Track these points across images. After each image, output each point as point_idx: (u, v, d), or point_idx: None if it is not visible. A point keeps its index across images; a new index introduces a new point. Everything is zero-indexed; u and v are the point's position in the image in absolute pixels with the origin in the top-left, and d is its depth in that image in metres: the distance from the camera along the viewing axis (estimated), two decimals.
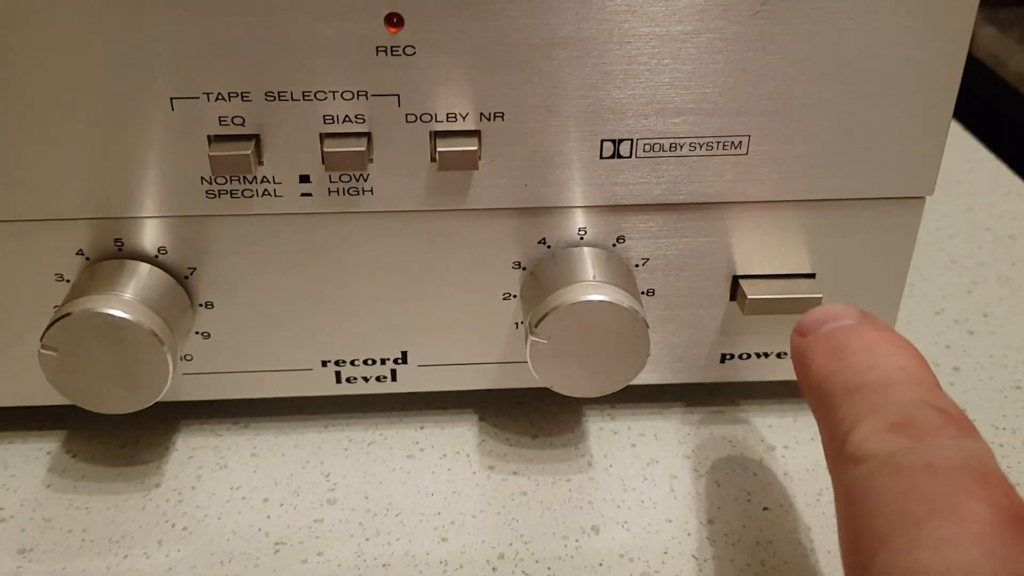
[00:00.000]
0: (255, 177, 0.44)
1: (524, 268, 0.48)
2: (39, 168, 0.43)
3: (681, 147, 0.45)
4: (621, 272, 0.46)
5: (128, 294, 0.44)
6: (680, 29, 0.41)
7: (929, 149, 0.45)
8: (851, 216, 0.47)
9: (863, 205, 0.47)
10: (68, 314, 0.42)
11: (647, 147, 0.45)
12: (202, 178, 0.44)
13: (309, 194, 0.45)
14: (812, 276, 0.49)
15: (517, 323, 0.49)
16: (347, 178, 0.44)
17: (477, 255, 0.47)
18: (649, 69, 0.42)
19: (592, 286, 0.44)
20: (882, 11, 0.42)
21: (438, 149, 0.43)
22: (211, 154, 0.42)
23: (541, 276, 0.47)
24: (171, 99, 0.42)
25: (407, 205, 0.45)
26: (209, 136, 0.43)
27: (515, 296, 0.48)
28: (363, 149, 0.42)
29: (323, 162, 0.43)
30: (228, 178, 0.44)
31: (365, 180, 0.44)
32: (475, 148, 0.43)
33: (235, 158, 0.42)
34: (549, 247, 0.47)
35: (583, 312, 0.44)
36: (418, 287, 0.48)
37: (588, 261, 0.46)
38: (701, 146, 0.45)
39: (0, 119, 0.41)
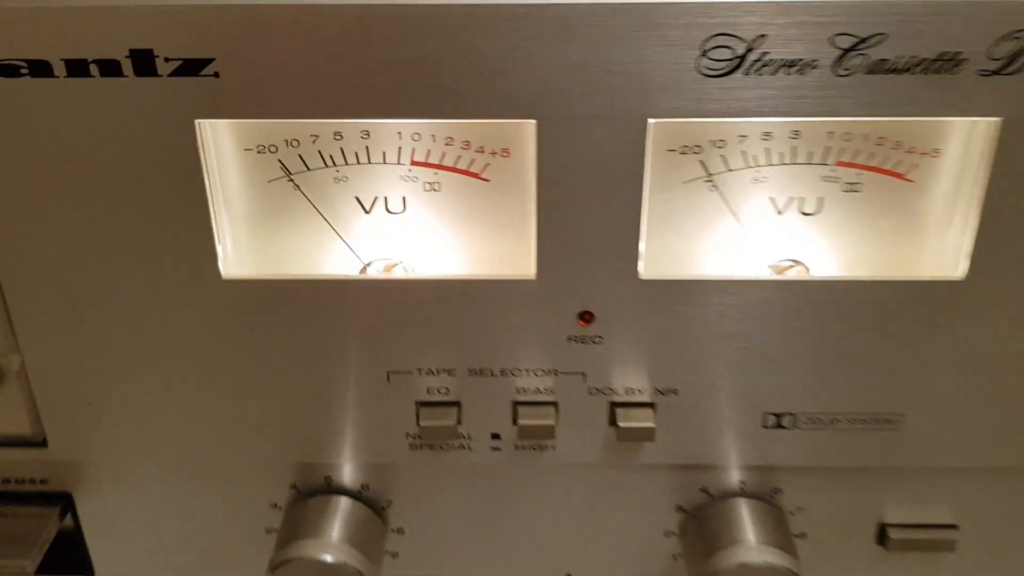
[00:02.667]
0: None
1: (685, 511, 0.52)
2: (267, 420, 0.49)
3: (839, 422, 0.49)
4: (778, 524, 0.50)
5: (336, 532, 0.50)
6: (840, 328, 0.46)
7: None
8: (996, 480, 0.50)
9: (1009, 471, 0.50)
10: (289, 560, 0.48)
11: (807, 420, 0.49)
12: (407, 434, 0.50)
13: (499, 449, 0.50)
14: (954, 527, 0.52)
15: (676, 556, 0.54)
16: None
17: (642, 498, 0.52)
18: (810, 358, 0.47)
19: (755, 550, 0.48)
20: None
21: (619, 424, 0.48)
22: (422, 424, 0.48)
23: (702, 522, 0.51)
24: (388, 373, 0.48)
25: (585, 460, 0.50)
26: (417, 402, 0.49)
27: (675, 534, 0.53)
28: (552, 423, 0.48)
29: (514, 423, 0.49)
30: None
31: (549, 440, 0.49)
32: (653, 425, 0.47)
33: (442, 429, 0.48)
34: (711, 495, 0.52)
35: (746, 571, 0.48)
36: (585, 521, 0.53)
37: (747, 518, 0.50)
38: (858, 421, 0.49)
39: (245, 381, 0.48)
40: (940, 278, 0.45)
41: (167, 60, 0.40)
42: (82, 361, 0.47)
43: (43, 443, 0.50)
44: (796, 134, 0.44)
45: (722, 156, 0.44)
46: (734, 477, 0.51)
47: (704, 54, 0.40)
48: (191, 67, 0.40)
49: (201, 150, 0.42)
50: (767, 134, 0.44)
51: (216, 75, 0.40)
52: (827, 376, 0.47)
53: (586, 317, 0.46)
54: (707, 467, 0.51)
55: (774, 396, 0.48)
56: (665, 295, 0.45)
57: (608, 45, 0.39)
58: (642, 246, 0.44)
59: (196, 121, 0.42)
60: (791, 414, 0.49)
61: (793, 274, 0.47)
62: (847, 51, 0.39)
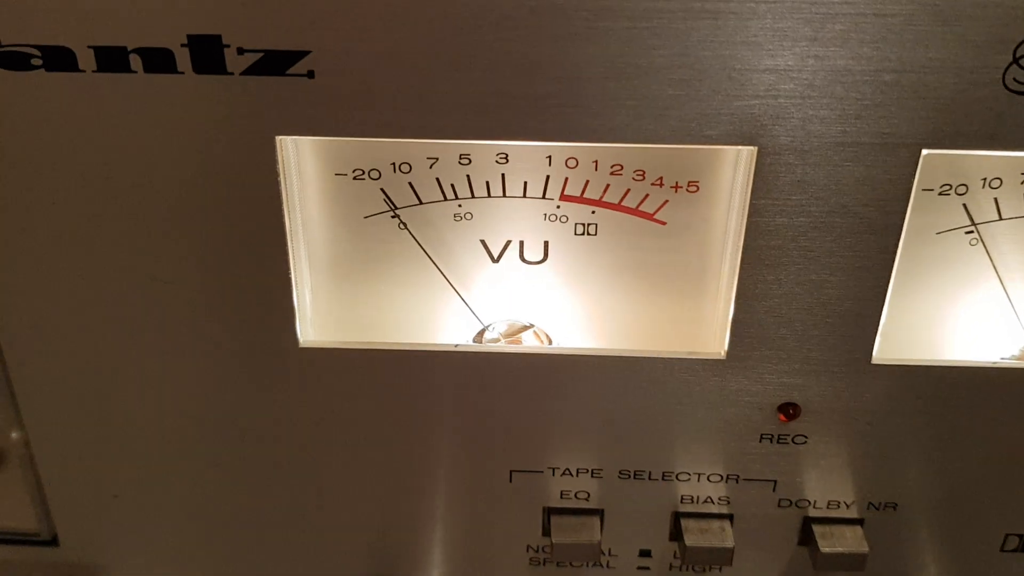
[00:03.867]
0: None
1: None
2: (334, 524, 0.38)
3: None
4: None
5: None
6: None
7: None
8: None
9: None
10: None
11: None
12: (529, 547, 0.38)
13: (647, 568, 0.38)
14: None
15: None
16: None
17: None
18: None
19: None
20: None
21: (820, 549, 0.35)
22: (554, 538, 0.36)
23: None
24: (511, 471, 0.36)
25: None
26: (547, 508, 0.37)
27: None
28: (731, 545, 0.35)
29: (672, 538, 0.37)
30: None
31: None
32: (865, 551, 0.35)
33: (580, 546, 0.36)
34: None
35: None
36: None
37: None
38: None
39: (314, 476, 0.37)
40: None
41: (241, 52, 0.27)
42: (102, 443, 0.36)
43: (52, 541, 0.39)
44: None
45: (995, 199, 0.32)
46: None
47: (1019, 61, 0.27)
48: (275, 62, 0.28)
49: (282, 176, 0.30)
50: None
51: (310, 74, 0.28)
52: None
53: (789, 411, 0.34)
54: None
55: (1020, 513, 0.36)
56: (904, 385, 0.33)
57: (877, 44, 0.27)
58: (883, 320, 0.32)
59: (277, 138, 0.29)
60: None
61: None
62: None
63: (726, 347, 0.33)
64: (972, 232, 0.33)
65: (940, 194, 0.32)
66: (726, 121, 0.29)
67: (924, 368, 0.33)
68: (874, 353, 0.33)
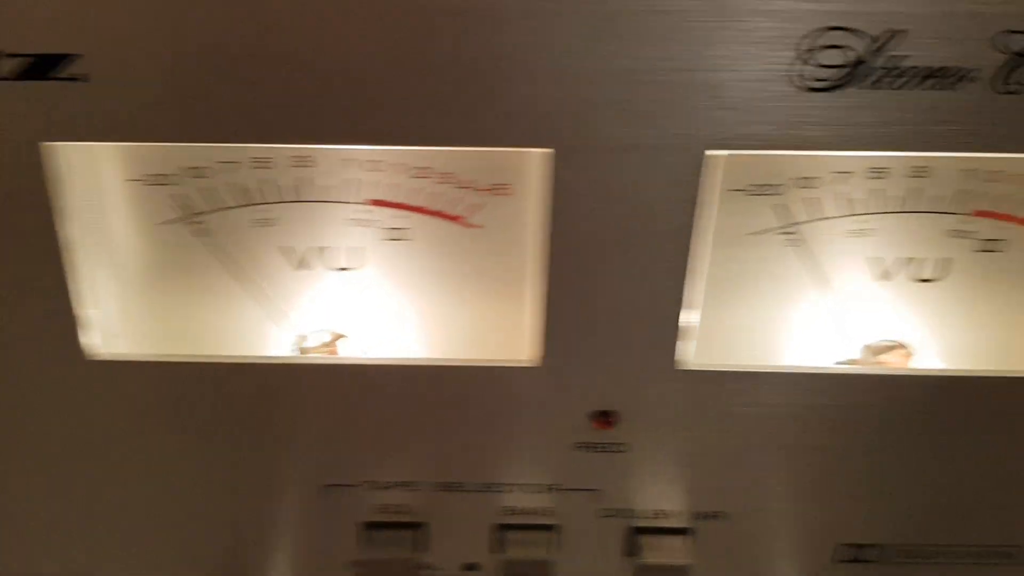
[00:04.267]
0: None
1: None
2: (158, 537, 0.36)
3: (941, 556, 0.36)
4: None
5: None
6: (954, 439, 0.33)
7: None
8: None
9: None
10: None
11: (899, 554, 0.36)
12: (352, 561, 0.36)
13: None
14: None
15: None
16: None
17: None
18: (911, 475, 0.34)
19: None
20: None
21: (643, 558, 0.34)
22: (365, 554, 0.34)
23: None
24: (324, 485, 0.34)
25: None
26: (363, 524, 0.35)
27: None
28: (544, 557, 0.34)
29: (496, 551, 0.35)
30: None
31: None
32: (684, 562, 0.34)
33: (392, 563, 0.34)
34: None
35: None
36: None
37: None
38: (967, 556, 0.36)
39: (118, 491, 0.34)
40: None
41: (8, 56, 0.26)
42: None
43: None
44: (921, 171, 0.30)
45: (809, 200, 0.31)
46: None
47: (804, 57, 0.26)
48: (44, 66, 0.26)
49: (52, 184, 0.28)
50: (879, 170, 0.30)
51: (82, 78, 0.26)
52: (930, 499, 0.34)
53: (605, 419, 0.32)
54: None
55: (854, 523, 0.35)
56: (716, 391, 0.32)
57: (662, 43, 0.26)
58: (687, 323, 0.31)
59: (55, 144, 0.27)
60: (877, 546, 0.35)
61: (894, 362, 0.33)
62: (1018, 57, 0.26)
63: (540, 354, 0.32)
64: (788, 233, 0.32)
65: (750, 194, 0.31)
66: (521, 123, 0.28)
67: (737, 373, 0.32)
68: (689, 358, 0.32)
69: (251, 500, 0.35)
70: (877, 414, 0.33)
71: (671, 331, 0.31)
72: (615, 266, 0.30)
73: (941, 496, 0.35)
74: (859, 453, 0.34)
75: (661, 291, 0.30)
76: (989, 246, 0.32)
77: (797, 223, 0.32)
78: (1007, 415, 0.32)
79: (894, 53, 0.26)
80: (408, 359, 0.33)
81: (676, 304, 0.31)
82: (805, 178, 0.31)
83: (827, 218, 0.32)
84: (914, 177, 0.31)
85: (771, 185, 0.31)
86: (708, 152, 0.28)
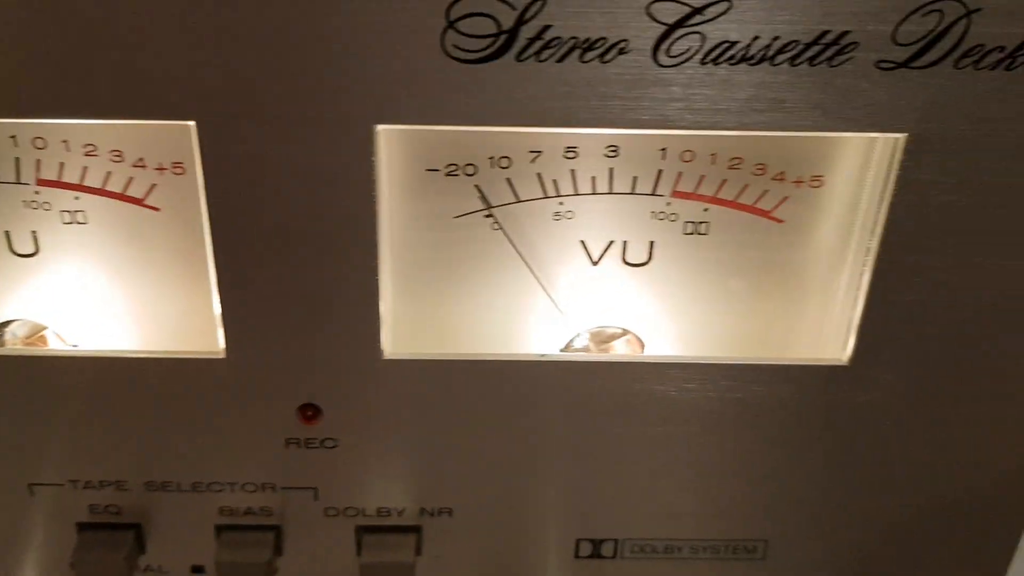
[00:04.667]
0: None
1: None
2: None
3: (679, 550, 0.34)
4: None
5: None
6: (677, 427, 0.32)
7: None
8: None
9: None
10: None
11: (635, 549, 0.34)
12: (72, 564, 0.34)
13: None
14: None
15: None
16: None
17: None
18: (639, 466, 0.32)
19: None
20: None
21: (362, 558, 0.33)
22: (76, 557, 0.32)
23: None
24: (29, 484, 0.32)
25: None
26: (78, 524, 0.33)
27: None
28: (263, 559, 0.32)
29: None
30: None
31: None
32: (409, 560, 0.33)
33: (104, 562, 0.33)
34: None
35: None
36: None
37: None
38: (706, 550, 0.34)
39: None
40: (818, 361, 0.30)
41: None
42: None
43: None
44: (614, 150, 0.29)
45: (508, 180, 0.29)
46: None
47: (452, 26, 0.24)
48: None
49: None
50: (572, 149, 0.29)
51: None
52: (663, 490, 0.33)
53: (309, 413, 0.31)
54: None
55: (591, 517, 0.34)
56: (426, 382, 0.30)
57: (308, 9, 0.24)
58: (388, 311, 0.29)
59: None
60: (613, 540, 0.34)
61: (620, 349, 0.32)
62: (673, 27, 0.24)
63: (222, 344, 0.30)
64: (492, 216, 0.30)
65: (448, 175, 0.30)
66: (163, 95, 0.26)
67: (445, 362, 0.30)
68: (393, 347, 0.30)
69: None
70: (595, 401, 0.31)
71: (370, 319, 0.30)
72: (300, 251, 0.28)
73: (676, 487, 0.33)
74: (588, 442, 0.32)
75: (353, 277, 0.29)
76: (693, 229, 0.31)
77: (500, 205, 0.30)
78: (724, 403, 0.31)
79: (542, 23, 0.25)
80: (93, 351, 0.31)
81: (372, 290, 0.29)
82: (502, 157, 0.29)
83: (530, 200, 0.30)
84: (608, 155, 0.29)
85: (470, 164, 0.30)
86: (379, 127, 0.26)
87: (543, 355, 0.31)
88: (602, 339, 0.33)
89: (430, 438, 0.32)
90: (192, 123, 0.26)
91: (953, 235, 0.28)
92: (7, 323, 0.32)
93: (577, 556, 0.35)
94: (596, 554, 0.35)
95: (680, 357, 0.31)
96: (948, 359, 0.30)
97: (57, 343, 0.32)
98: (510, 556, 0.35)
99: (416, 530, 0.34)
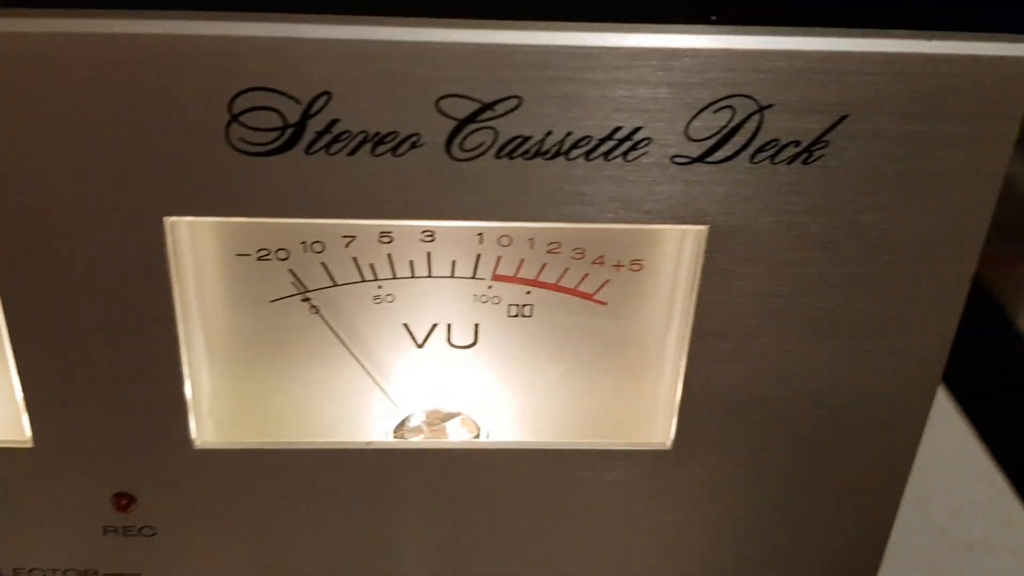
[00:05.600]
0: None
1: None
2: None
3: None
4: None
5: None
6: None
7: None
8: None
9: None
10: None
11: None
12: None
13: None
14: None
15: None
16: None
17: None
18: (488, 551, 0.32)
19: None
20: None
21: None
22: None
23: None
24: None
25: None
26: None
27: None
28: None
29: None
30: None
31: None
32: None
33: None
34: None
35: None
36: None
37: None
38: None
39: None
40: (642, 446, 0.30)
41: None
42: None
43: None
44: (430, 235, 0.28)
45: (323, 264, 0.29)
46: None
47: (236, 119, 0.24)
48: None
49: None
50: (386, 234, 0.28)
51: None
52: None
53: (123, 501, 0.30)
54: None
55: None
56: (241, 469, 0.29)
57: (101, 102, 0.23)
58: (202, 398, 0.28)
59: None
60: None
61: (453, 430, 0.32)
62: (464, 122, 0.24)
63: (28, 431, 0.29)
64: (308, 300, 0.30)
65: (260, 259, 0.29)
66: None
67: (254, 451, 0.30)
68: (199, 436, 0.29)
69: None
70: (434, 486, 0.31)
71: (176, 407, 0.29)
72: (98, 338, 0.27)
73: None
74: (403, 527, 0.32)
75: (155, 365, 0.28)
76: (517, 312, 0.30)
77: (316, 289, 0.29)
78: (569, 486, 0.31)
79: (330, 117, 0.24)
80: None
81: (176, 379, 0.28)
82: (315, 242, 0.29)
83: (346, 283, 0.29)
84: (424, 241, 0.29)
85: (282, 249, 0.29)
86: (167, 219, 0.26)
87: (368, 442, 0.30)
88: (437, 418, 0.32)
89: (252, 525, 0.31)
90: None
91: (761, 321, 0.28)
92: None
93: None
94: None
95: (504, 443, 0.31)
96: (768, 439, 0.30)
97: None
98: None
99: None
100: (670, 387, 0.30)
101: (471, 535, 0.32)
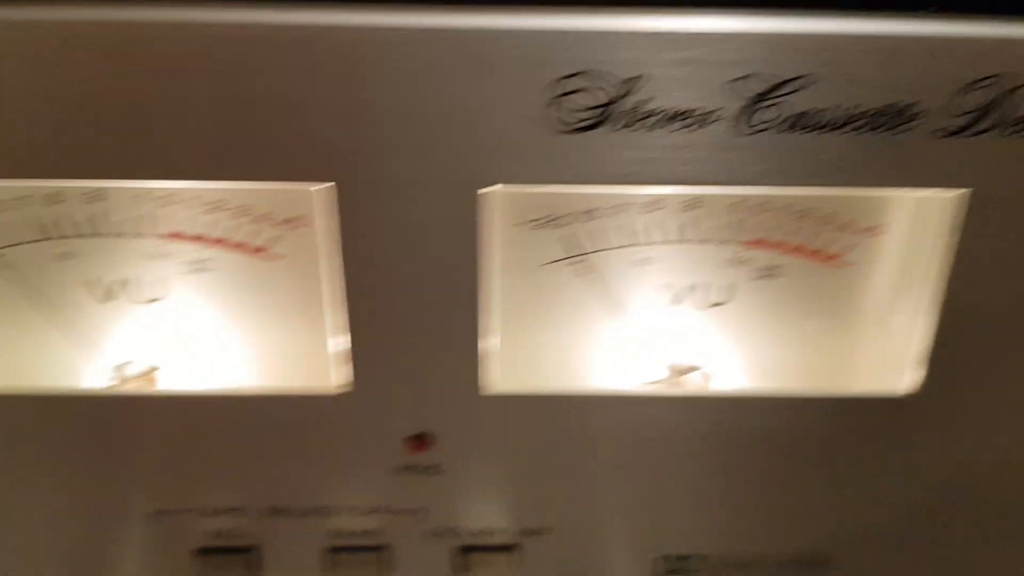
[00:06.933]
0: None
1: None
2: None
3: (752, 566, 0.37)
4: None
5: None
6: (752, 453, 0.35)
7: None
8: None
9: None
10: None
11: (713, 566, 0.37)
12: None
13: None
14: None
15: None
16: None
17: None
18: (716, 489, 0.36)
19: None
20: None
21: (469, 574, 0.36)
22: None
23: None
24: (155, 512, 0.36)
25: None
26: (195, 550, 0.37)
27: None
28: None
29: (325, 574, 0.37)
30: None
31: None
32: None
33: None
34: None
35: None
36: None
37: None
38: (777, 566, 0.37)
39: None
40: (880, 394, 0.33)
41: None
42: None
43: None
44: (693, 203, 0.32)
45: (593, 231, 0.33)
46: None
47: (557, 101, 0.28)
48: None
49: None
50: (654, 203, 0.32)
51: None
52: (737, 511, 0.36)
53: (420, 442, 0.34)
54: None
55: (671, 536, 0.37)
56: (521, 414, 0.33)
57: (425, 85, 0.27)
58: (487, 349, 0.32)
59: None
60: (691, 556, 0.37)
61: (691, 386, 0.35)
62: (756, 100, 0.28)
63: (351, 380, 0.33)
64: (578, 263, 0.34)
65: (536, 227, 0.33)
66: (303, 159, 0.29)
67: (537, 397, 0.34)
68: (493, 382, 0.33)
69: (84, 530, 0.36)
70: (675, 431, 0.34)
71: (471, 357, 0.33)
72: (411, 295, 0.31)
73: (750, 508, 0.36)
74: (667, 467, 0.35)
75: (457, 319, 0.32)
76: (766, 273, 0.33)
77: (584, 253, 0.33)
78: (795, 431, 0.34)
79: (638, 97, 0.28)
80: (220, 390, 0.34)
81: (473, 332, 0.32)
82: (587, 211, 0.32)
83: (611, 248, 0.33)
84: (688, 210, 0.32)
85: (557, 217, 0.33)
86: (480, 191, 0.30)
87: (626, 390, 0.34)
88: (679, 372, 0.36)
89: (529, 464, 0.35)
90: (332, 185, 0.29)
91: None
92: (126, 364, 0.35)
93: (657, 574, 0.38)
94: (673, 571, 0.38)
95: (749, 391, 0.34)
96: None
97: (169, 382, 0.35)
98: (600, 571, 0.38)
99: (513, 549, 0.37)
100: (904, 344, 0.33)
101: (707, 473, 0.35)
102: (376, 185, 0.30)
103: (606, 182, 0.29)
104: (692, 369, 0.36)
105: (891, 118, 0.28)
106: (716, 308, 0.34)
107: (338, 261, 0.31)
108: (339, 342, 0.33)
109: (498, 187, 0.30)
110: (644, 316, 0.35)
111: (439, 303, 0.32)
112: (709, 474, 0.35)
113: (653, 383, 0.36)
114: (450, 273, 0.31)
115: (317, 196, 0.31)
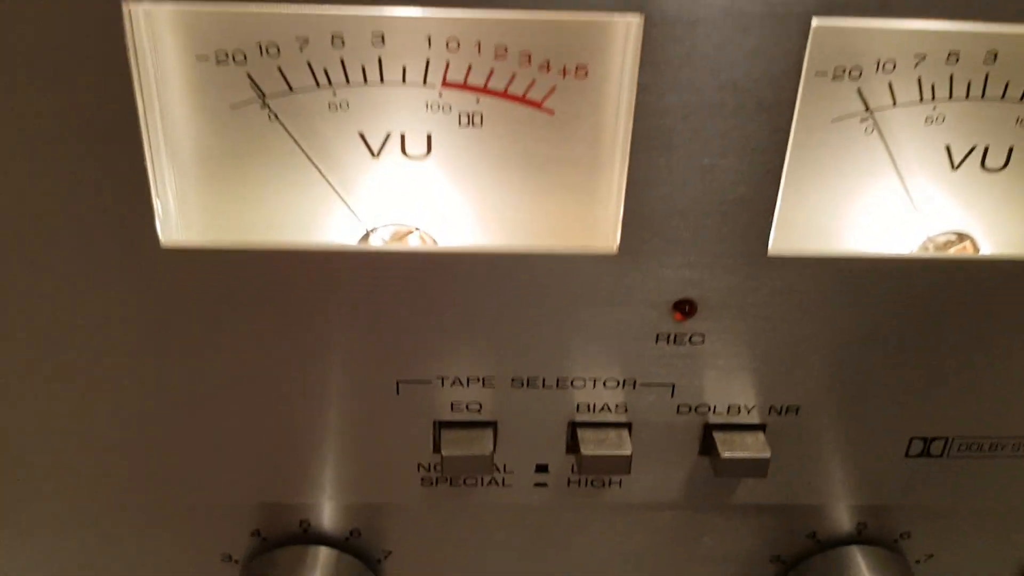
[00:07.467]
0: None
1: (784, 563, 0.39)
2: (220, 446, 0.35)
3: (1003, 448, 0.36)
4: None
5: None
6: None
7: None
8: None
9: None
10: None
11: (963, 447, 0.36)
12: (420, 465, 0.36)
13: (544, 485, 0.36)
14: None
15: None
16: None
17: (730, 548, 0.39)
18: (977, 365, 0.34)
19: None
20: None
21: (722, 454, 0.34)
22: (445, 452, 0.34)
23: None
24: (397, 382, 0.34)
25: (662, 500, 0.37)
26: (438, 422, 0.35)
27: None
28: (628, 453, 0.34)
29: (569, 451, 0.35)
30: None
31: None
32: (767, 456, 0.34)
33: (473, 460, 0.34)
34: (819, 542, 0.39)
35: None
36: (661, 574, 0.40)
37: (864, 570, 0.38)
38: None
39: (190, 393, 0.34)
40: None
41: None
42: None
43: None
44: (993, 56, 0.30)
45: (890, 84, 0.31)
46: (853, 519, 0.38)
47: None
48: None
49: (133, 54, 0.27)
50: (954, 54, 0.30)
51: None
52: (996, 389, 0.34)
53: (685, 308, 0.32)
54: (818, 507, 0.38)
55: (923, 417, 0.35)
56: (802, 278, 0.32)
57: None
58: (778, 210, 0.31)
59: (125, 5, 0.26)
60: (943, 438, 0.36)
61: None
62: None
63: (618, 241, 0.31)
64: (867, 120, 0.32)
65: (834, 78, 0.31)
66: None
67: (822, 260, 0.32)
68: (770, 245, 0.31)
69: (324, 398, 0.34)
70: (951, 304, 0.33)
71: (766, 215, 0.31)
72: (706, 143, 0.30)
73: (1006, 386, 0.35)
74: (934, 340, 0.34)
75: (758, 171, 0.30)
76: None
77: (878, 108, 0.31)
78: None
79: None
80: (481, 247, 0.32)
81: (774, 186, 0.30)
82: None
83: (905, 104, 0.31)
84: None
85: (856, 67, 0.31)
86: (816, 21, 0.28)
87: (911, 254, 0.32)
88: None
89: (792, 336, 0.33)
90: (641, 17, 0.27)
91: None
92: (381, 227, 0.33)
93: (908, 455, 0.36)
94: (926, 452, 0.36)
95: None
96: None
97: (424, 245, 0.33)
98: (846, 454, 0.36)
99: (761, 428, 0.35)
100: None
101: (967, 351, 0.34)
102: (687, 17, 0.28)
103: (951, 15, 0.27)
104: (959, 239, 0.34)
105: None
106: (992, 174, 0.33)
107: (627, 107, 0.29)
108: (611, 201, 0.31)
109: (834, 19, 0.28)
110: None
111: (730, 153, 0.30)
112: (970, 346, 0.34)
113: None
114: (753, 118, 0.29)
115: (608, 39, 0.29)
